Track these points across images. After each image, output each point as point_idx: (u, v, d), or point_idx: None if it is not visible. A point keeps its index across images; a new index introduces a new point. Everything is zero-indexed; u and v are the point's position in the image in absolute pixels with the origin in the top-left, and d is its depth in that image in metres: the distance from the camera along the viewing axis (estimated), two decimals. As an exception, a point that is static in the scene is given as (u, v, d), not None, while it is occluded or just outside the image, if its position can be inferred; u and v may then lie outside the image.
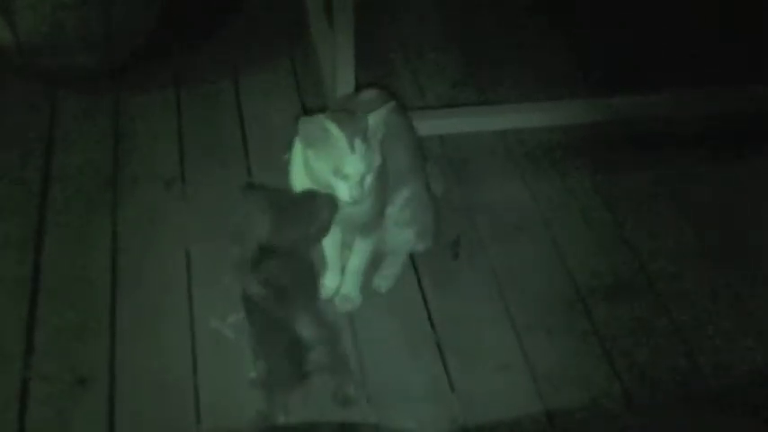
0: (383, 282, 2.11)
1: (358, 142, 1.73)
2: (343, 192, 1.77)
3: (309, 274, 1.84)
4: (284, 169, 1.95)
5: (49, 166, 2.41)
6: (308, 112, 2.51)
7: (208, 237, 2.21)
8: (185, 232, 2.24)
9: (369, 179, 1.78)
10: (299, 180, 1.86)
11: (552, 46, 2.88)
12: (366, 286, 2.07)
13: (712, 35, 2.86)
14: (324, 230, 1.81)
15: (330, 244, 2.03)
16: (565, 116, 2.49)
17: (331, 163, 1.75)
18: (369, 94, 1.99)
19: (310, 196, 1.80)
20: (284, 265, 1.76)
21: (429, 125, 2.43)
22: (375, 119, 1.76)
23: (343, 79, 2.30)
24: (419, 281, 2.15)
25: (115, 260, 2.16)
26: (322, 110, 1.89)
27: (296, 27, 2.89)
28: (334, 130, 1.73)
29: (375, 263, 2.09)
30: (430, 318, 2.06)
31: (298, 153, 1.85)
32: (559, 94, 2.59)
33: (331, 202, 1.79)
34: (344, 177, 1.75)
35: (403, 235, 2.04)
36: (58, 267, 2.15)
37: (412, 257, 2.16)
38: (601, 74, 2.72)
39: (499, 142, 2.52)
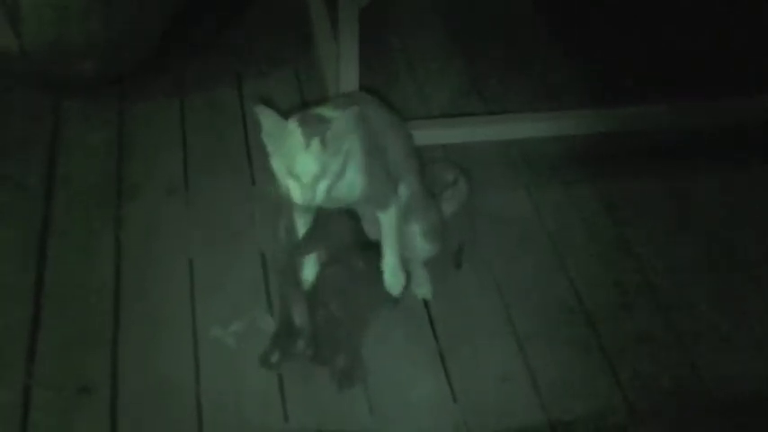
0: (422, 289, 2.11)
1: (315, 142, 1.67)
2: (295, 192, 1.70)
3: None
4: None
5: (53, 174, 2.41)
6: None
7: (211, 245, 2.22)
8: (188, 240, 2.24)
9: (323, 184, 1.70)
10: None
11: (556, 56, 2.89)
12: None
13: (715, 45, 2.86)
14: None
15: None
16: (568, 126, 2.49)
17: (285, 161, 1.69)
18: (360, 95, 2.00)
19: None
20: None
21: (432, 135, 2.44)
22: (339, 122, 1.70)
23: (346, 87, 2.30)
24: (422, 290, 2.14)
25: (118, 268, 2.16)
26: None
27: (299, 36, 2.89)
28: (292, 125, 1.69)
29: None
30: (432, 328, 2.06)
31: None
32: (563, 105, 2.59)
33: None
34: (296, 177, 1.69)
35: (409, 233, 2.00)
36: (60, 275, 2.15)
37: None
38: (604, 84, 2.72)
39: (502, 152, 2.51)
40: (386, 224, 1.93)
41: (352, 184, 1.79)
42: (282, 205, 1.88)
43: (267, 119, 1.71)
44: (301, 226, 1.96)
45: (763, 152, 2.54)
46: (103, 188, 2.37)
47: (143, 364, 1.96)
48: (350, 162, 1.75)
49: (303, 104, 2.63)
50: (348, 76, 2.28)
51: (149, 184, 2.39)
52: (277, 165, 1.72)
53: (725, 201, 2.41)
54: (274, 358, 1.92)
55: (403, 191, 1.94)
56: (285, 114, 1.76)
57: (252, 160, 2.46)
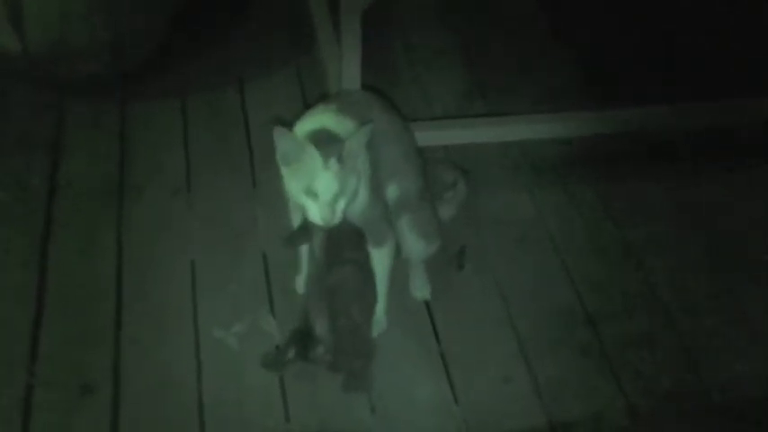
0: (421, 292, 2.12)
1: (332, 161, 1.67)
2: (314, 213, 1.71)
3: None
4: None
5: (55, 174, 2.41)
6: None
7: (213, 245, 2.22)
8: (190, 241, 2.24)
9: (342, 202, 1.71)
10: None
11: (558, 58, 2.89)
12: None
13: (715, 45, 2.86)
14: None
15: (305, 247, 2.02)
16: (570, 128, 2.49)
17: (303, 181, 1.69)
18: (361, 96, 1.99)
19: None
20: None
21: (434, 136, 2.44)
22: (353, 142, 1.71)
23: (348, 88, 2.30)
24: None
25: (120, 268, 2.17)
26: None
27: (301, 36, 2.89)
28: (308, 146, 1.68)
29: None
30: (434, 330, 2.06)
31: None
32: (564, 107, 2.59)
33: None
34: (315, 197, 1.69)
35: (399, 227, 1.98)
36: (63, 275, 2.15)
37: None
38: (606, 86, 2.72)
39: (504, 153, 2.52)
40: (378, 263, 1.95)
41: (361, 200, 1.80)
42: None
43: (285, 140, 1.69)
44: (296, 219, 1.95)
45: (763, 152, 2.54)
46: (105, 189, 2.38)
47: (145, 363, 1.97)
48: (361, 179, 1.76)
49: (306, 105, 2.64)
50: (350, 75, 2.28)
51: (151, 184, 2.39)
52: (293, 186, 1.72)
53: (725, 201, 2.41)
54: (287, 358, 1.91)
55: (393, 191, 1.92)
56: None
57: (254, 160, 2.47)
